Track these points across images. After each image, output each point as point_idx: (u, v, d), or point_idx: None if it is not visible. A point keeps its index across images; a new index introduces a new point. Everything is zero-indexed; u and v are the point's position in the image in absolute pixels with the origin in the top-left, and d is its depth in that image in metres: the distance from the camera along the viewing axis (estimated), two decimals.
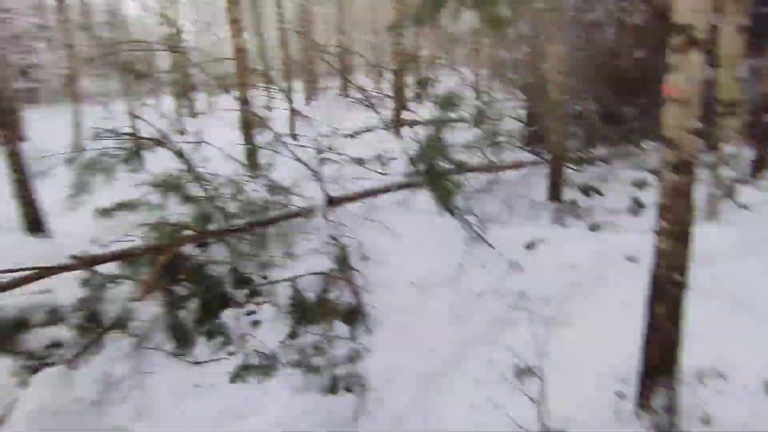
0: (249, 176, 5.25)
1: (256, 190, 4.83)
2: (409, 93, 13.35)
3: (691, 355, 2.62)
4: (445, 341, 3.25)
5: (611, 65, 7.36)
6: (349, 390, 3.11)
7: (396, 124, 9.39)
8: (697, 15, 1.85)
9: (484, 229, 4.27)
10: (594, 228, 4.70)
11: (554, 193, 5.24)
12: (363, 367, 3.21)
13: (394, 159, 6.94)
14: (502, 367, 2.89)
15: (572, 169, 5.98)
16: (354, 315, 3.63)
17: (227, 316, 3.65)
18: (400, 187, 5.33)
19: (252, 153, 6.35)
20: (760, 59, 5.30)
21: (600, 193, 5.71)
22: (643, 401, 2.26)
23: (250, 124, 6.47)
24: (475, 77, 12.63)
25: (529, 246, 4.10)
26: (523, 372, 2.78)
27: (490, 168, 6.00)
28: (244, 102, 6.54)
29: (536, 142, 6.98)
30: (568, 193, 5.50)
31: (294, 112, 10.44)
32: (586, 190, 5.62)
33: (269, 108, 11.69)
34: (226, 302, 3.77)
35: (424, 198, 5.03)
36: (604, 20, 7.77)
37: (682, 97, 1.89)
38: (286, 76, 14.94)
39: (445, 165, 4.33)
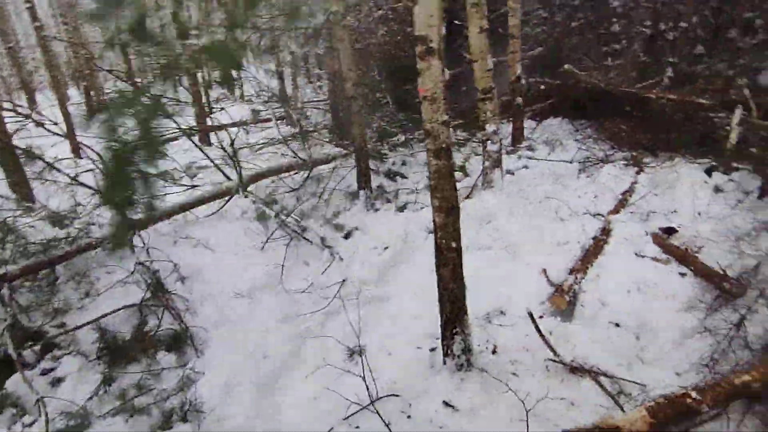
0: (20, 210, 4.38)
1: (32, 226, 4.07)
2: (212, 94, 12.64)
3: (480, 300, 3.23)
4: (278, 343, 3.31)
5: (399, 56, 8.19)
6: (185, 420, 2.94)
7: (201, 130, 8.83)
8: (432, 28, 2.24)
9: (302, 226, 4.41)
10: (401, 209, 5.27)
11: (364, 182, 5.68)
12: (197, 392, 3.06)
13: (204, 168, 6.56)
14: (334, 354, 3.09)
15: (376, 157, 6.53)
16: (178, 341, 3.41)
17: (14, 382, 3.05)
18: (213, 197, 5.10)
19: (20, 184, 5.28)
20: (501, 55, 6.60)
21: (404, 176, 6.39)
22: (447, 350, 2.70)
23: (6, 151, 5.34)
24: (280, 73, 12.61)
25: (347, 235, 4.40)
26: (352, 353, 3.02)
27: (302, 165, 6.15)
28: None
29: (343, 135, 7.40)
30: (376, 180, 6.02)
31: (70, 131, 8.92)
32: (391, 175, 6.22)
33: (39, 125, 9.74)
34: (11, 367, 3.14)
35: (239, 205, 4.92)
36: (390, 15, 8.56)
37: (430, 95, 2.28)
38: (55, 88, 12.59)
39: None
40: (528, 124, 7.82)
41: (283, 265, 3.97)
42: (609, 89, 7.69)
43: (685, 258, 3.49)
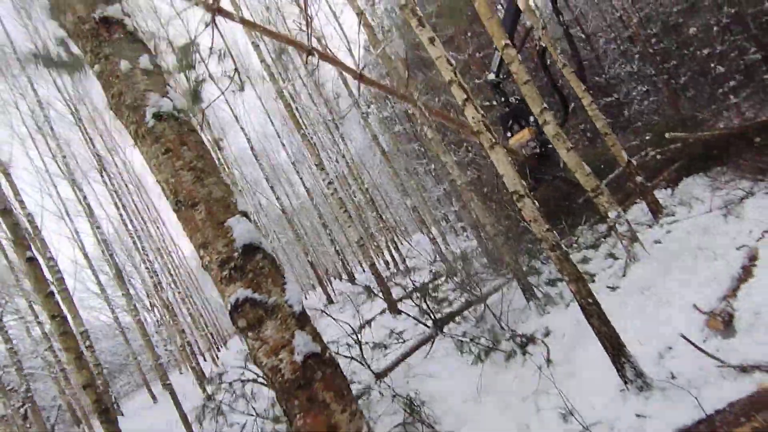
0: None
1: None
2: None
3: (650, 345, 4.04)
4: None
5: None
6: None
7: (392, 303, 11.11)
8: (515, 184, 3.89)
9: (495, 342, 5.72)
10: (567, 305, 6.25)
11: (528, 296, 6.88)
12: None
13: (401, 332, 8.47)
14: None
15: (532, 272, 7.75)
16: None
17: None
18: (421, 343, 6.78)
19: None
20: None
21: (561, 280, 7.39)
22: (624, 378, 3.60)
23: None
24: (432, 239, 15.11)
25: (530, 339, 5.53)
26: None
27: (478, 300, 7.64)
28: None
29: (498, 266, 8.83)
30: (539, 292, 7.15)
31: None
32: (551, 282, 7.31)
33: None
34: None
35: (443, 345, 6.48)
36: None
37: (531, 218, 3.80)
38: None
39: None
40: (664, 193, 8.44)
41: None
42: (731, 131, 8.16)
43: None
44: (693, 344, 3.61)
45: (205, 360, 22.48)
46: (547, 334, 5.84)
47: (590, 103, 7.72)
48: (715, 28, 13.67)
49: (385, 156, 13.45)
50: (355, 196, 25.01)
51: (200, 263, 1.35)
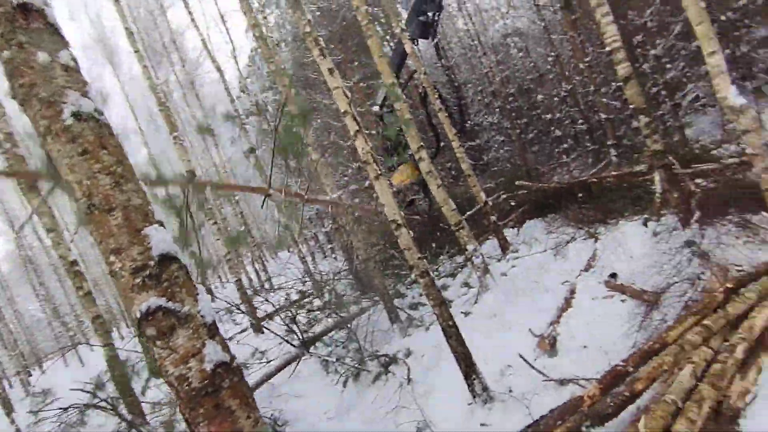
0: None
1: None
2: None
3: (494, 363, 4.70)
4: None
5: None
6: None
7: (260, 320, 10.76)
8: (395, 214, 4.27)
9: (360, 363, 5.99)
10: (427, 328, 6.85)
11: (393, 317, 7.36)
12: None
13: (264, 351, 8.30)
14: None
15: (397, 296, 8.30)
16: None
17: None
18: (287, 363, 6.75)
19: None
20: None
21: (424, 304, 8.06)
22: (472, 392, 4.13)
23: None
24: (302, 258, 15.10)
25: (392, 360, 5.93)
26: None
27: (344, 321, 7.88)
28: None
29: (366, 290, 9.26)
30: (403, 314, 7.70)
31: None
32: (414, 306, 7.91)
33: None
34: None
35: (307, 363, 6.55)
36: None
37: (406, 248, 4.20)
38: None
39: None
40: (512, 232, 9.78)
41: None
42: (562, 185, 9.86)
43: (623, 289, 5.03)
44: (527, 362, 4.31)
45: (11, 386, 18.80)
46: (408, 354, 6.30)
47: (459, 146, 8.71)
48: (555, 99, 16.46)
49: (261, 169, 13.19)
50: (222, 208, 23.75)
51: (108, 269, 1.32)
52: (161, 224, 1.37)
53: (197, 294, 1.38)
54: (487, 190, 12.07)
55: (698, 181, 7.68)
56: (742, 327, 3.33)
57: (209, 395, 1.30)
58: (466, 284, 8.01)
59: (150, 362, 9.53)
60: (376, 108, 9.39)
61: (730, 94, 3.55)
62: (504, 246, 8.94)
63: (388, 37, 19.59)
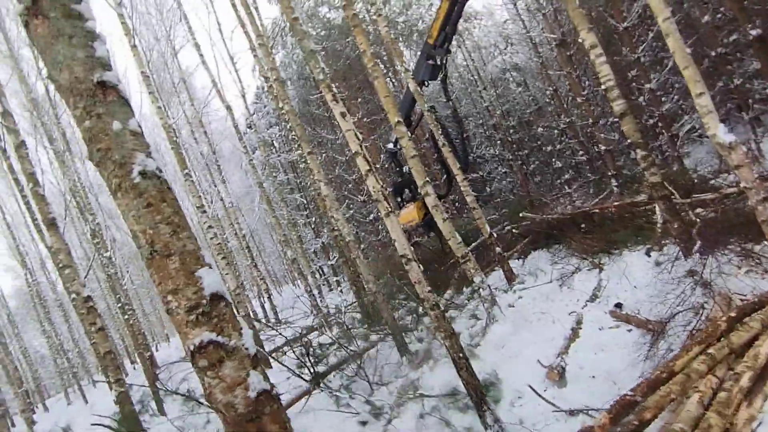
0: None
1: None
2: None
3: (506, 392, 4.76)
4: None
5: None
6: None
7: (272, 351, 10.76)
8: (405, 249, 4.45)
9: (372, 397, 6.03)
10: (437, 360, 6.91)
11: (403, 351, 7.41)
12: None
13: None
14: None
15: (407, 330, 8.38)
16: None
17: None
18: (299, 398, 6.78)
19: None
20: None
21: (436, 338, 8.12)
22: (484, 424, 4.19)
23: None
24: (309, 291, 15.18)
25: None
26: None
27: (354, 356, 7.93)
28: None
29: (375, 323, 9.33)
30: (413, 347, 7.75)
31: None
32: (420, 340, 7.97)
33: None
34: None
35: (318, 398, 6.58)
36: None
37: (416, 279, 4.36)
38: None
39: None
40: (517, 263, 9.91)
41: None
42: (565, 215, 10.05)
43: (628, 319, 5.13)
44: (537, 393, 4.39)
45: (13, 425, 18.59)
46: (417, 388, 6.35)
47: (463, 179, 8.96)
48: (555, 131, 16.87)
49: (269, 204, 13.47)
50: (228, 242, 23.97)
51: (164, 307, 1.50)
52: (210, 266, 1.57)
53: (241, 329, 1.56)
54: (491, 222, 12.27)
55: (698, 210, 7.88)
56: (747, 355, 3.45)
57: (253, 421, 1.46)
58: (474, 316, 8.08)
59: (157, 399, 9.49)
60: (390, 145, 9.81)
61: (719, 132, 3.77)
62: (510, 277, 9.05)
63: (390, 74, 20.26)
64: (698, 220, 7.07)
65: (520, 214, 10.25)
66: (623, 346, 4.75)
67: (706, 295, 4.82)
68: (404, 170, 9.98)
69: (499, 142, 20.46)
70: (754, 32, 10.56)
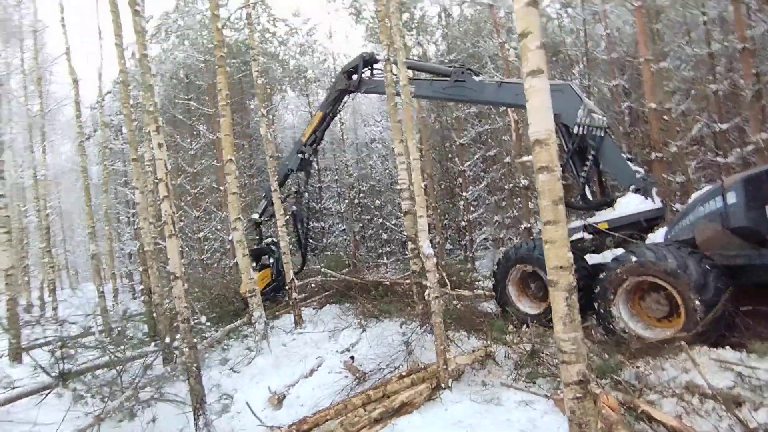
0: None
1: None
2: None
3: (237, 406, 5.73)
4: None
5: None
6: None
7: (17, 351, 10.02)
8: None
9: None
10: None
11: (168, 360, 7.93)
12: None
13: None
14: None
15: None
16: None
17: None
18: (34, 391, 6.79)
19: None
20: None
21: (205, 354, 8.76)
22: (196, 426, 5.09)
23: None
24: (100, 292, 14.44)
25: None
26: None
27: (116, 363, 8.14)
28: None
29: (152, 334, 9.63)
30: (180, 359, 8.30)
31: None
32: None
33: None
34: None
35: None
36: None
37: (182, 320, 5.25)
38: None
39: None
40: (309, 311, 11.19)
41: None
42: (361, 280, 11.77)
43: (349, 368, 6.62)
44: (251, 410, 5.47)
45: None
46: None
47: (282, 225, 10.18)
48: (388, 207, 19.41)
49: (87, 191, 12.91)
50: (27, 216, 21.42)
51: None
52: None
53: None
54: (314, 271, 13.62)
55: (455, 302, 10.18)
56: (390, 399, 5.02)
57: None
58: (249, 348, 9.01)
59: None
60: (255, 215, 11.29)
61: (424, 246, 5.59)
62: (298, 321, 10.24)
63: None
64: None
65: (322, 270, 11.71)
66: (335, 387, 6.14)
67: (406, 360, 6.56)
68: (263, 241, 11.57)
69: (346, 201, 22.48)
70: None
